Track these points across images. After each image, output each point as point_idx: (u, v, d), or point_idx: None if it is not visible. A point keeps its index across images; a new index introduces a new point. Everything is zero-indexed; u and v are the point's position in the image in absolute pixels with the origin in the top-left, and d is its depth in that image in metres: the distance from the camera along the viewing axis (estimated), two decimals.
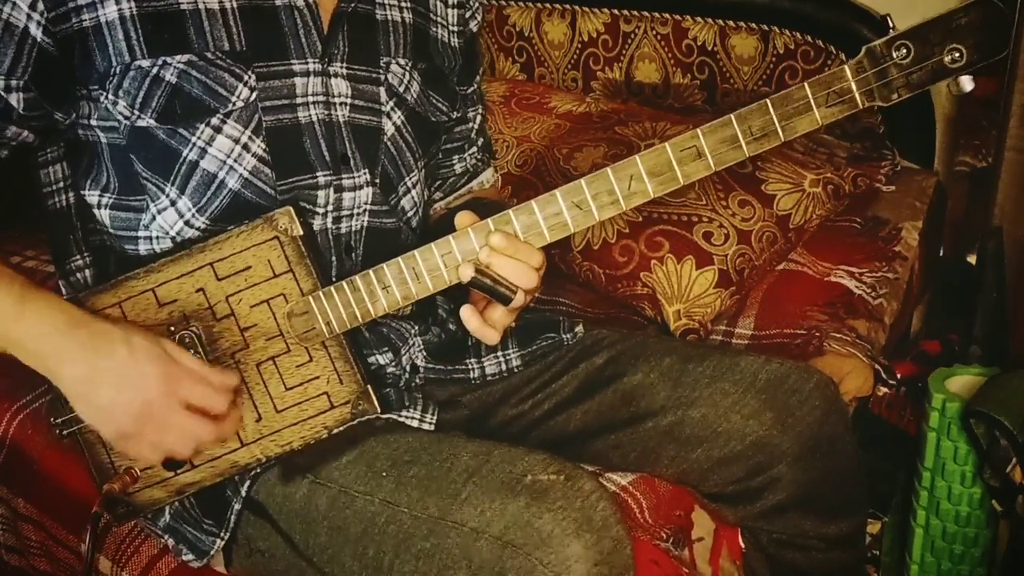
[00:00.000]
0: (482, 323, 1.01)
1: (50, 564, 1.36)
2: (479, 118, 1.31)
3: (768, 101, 0.93)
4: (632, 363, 1.20)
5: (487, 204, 1.25)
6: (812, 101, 0.93)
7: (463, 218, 0.99)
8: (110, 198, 1.05)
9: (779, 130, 0.94)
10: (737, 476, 1.15)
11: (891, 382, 1.66)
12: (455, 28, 1.22)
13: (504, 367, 1.23)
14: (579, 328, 1.26)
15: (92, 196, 1.06)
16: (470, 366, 1.22)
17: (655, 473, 1.19)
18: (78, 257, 1.10)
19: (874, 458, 1.46)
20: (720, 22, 2.13)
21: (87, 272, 1.10)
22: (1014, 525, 1.42)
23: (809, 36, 2.04)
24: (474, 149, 1.31)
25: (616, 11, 2.25)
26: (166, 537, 1.13)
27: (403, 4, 1.14)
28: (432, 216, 1.31)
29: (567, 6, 2.32)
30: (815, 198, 1.74)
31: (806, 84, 0.92)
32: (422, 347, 1.20)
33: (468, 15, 1.23)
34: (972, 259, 1.96)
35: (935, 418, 1.44)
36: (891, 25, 0.92)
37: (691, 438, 1.15)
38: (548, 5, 2.34)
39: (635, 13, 2.23)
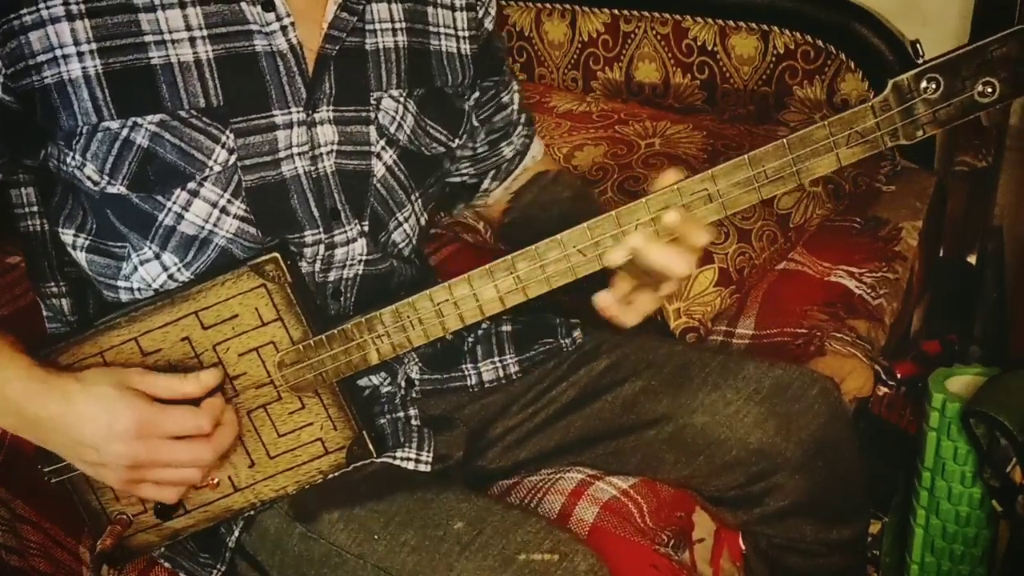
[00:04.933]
0: (622, 308, 0.96)
1: (50, 565, 1.36)
2: (516, 97, 1.24)
3: (786, 142, 0.87)
4: (633, 369, 1.18)
5: (555, 186, 1.20)
6: (832, 142, 0.87)
7: (667, 176, 0.91)
8: (86, 239, 1.00)
9: (796, 172, 0.88)
10: (739, 482, 1.15)
11: (891, 382, 1.66)
12: (467, 33, 1.12)
13: (501, 373, 1.20)
14: (577, 333, 1.23)
15: (67, 235, 1.01)
16: (466, 372, 1.19)
17: (656, 478, 1.18)
18: (53, 285, 1.06)
19: (874, 458, 1.46)
20: (720, 22, 2.13)
21: (64, 301, 1.06)
22: (1014, 525, 1.42)
23: (809, 36, 2.04)
24: (519, 129, 1.25)
25: (616, 11, 2.25)
26: (163, 562, 1.12)
27: (397, 25, 1.05)
28: (493, 211, 1.26)
29: (567, 6, 2.32)
30: (815, 197, 1.74)
31: (827, 123, 0.86)
32: (417, 359, 1.17)
33: (481, 14, 1.14)
34: (972, 259, 1.96)
35: (935, 418, 1.44)
36: (921, 53, 0.86)
37: (693, 445, 1.14)
38: (548, 5, 2.34)
39: (635, 13, 2.23)
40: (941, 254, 2.09)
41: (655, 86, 2.25)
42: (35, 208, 1.03)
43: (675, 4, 2.18)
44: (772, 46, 2.08)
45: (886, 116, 0.86)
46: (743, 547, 1.22)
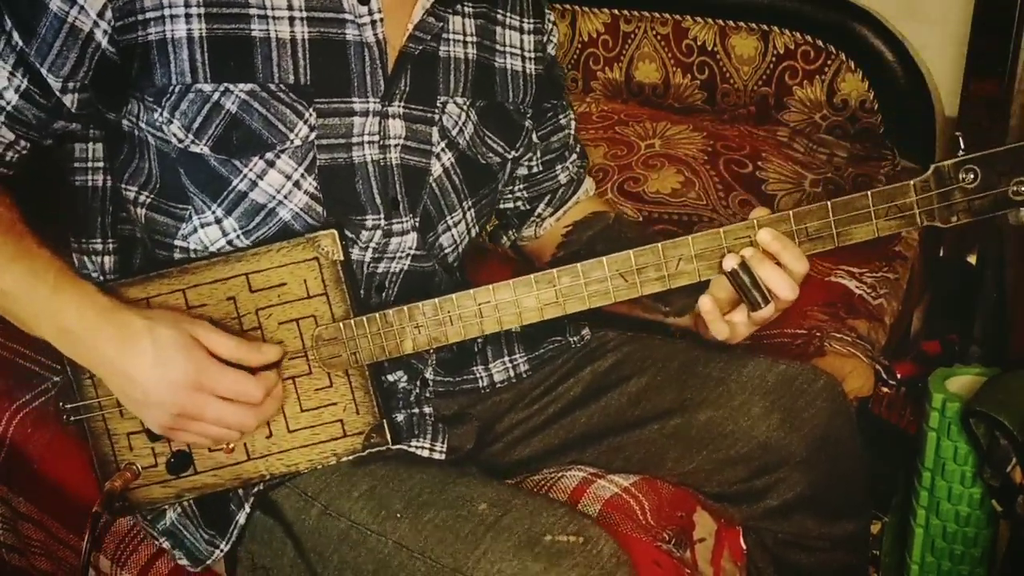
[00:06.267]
0: (720, 317, 1.00)
1: (51, 563, 1.36)
2: (573, 124, 1.28)
3: (829, 204, 0.93)
4: (638, 366, 1.19)
5: (620, 226, 1.24)
6: (872, 212, 0.93)
7: (759, 211, 0.98)
8: (148, 197, 1.03)
9: (835, 235, 0.94)
10: (741, 477, 1.15)
11: (891, 382, 1.66)
12: (532, 55, 1.18)
13: (512, 373, 1.22)
14: (585, 331, 1.25)
15: (130, 191, 1.04)
16: (478, 374, 1.21)
17: (658, 475, 1.18)
18: (99, 242, 1.08)
19: (874, 458, 1.46)
20: (720, 22, 2.13)
21: (107, 259, 1.08)
22: (1014, 525, 1.42)
23: (809, 36, 2.05)
24: (574, 156, 1.29)
25: (616, 11, 2.25)
26: (162, 540, 1.12)
27: (468, 39, 1.11)
28: (543, 244, 1.28)
29: (567, 6, 2.32)
30: (815, 198, 1.74)
31: (869, 194, 0.92)
32: (434, 362, 1.18)
33: (545, 39, 1.21)
34: (972, 259, 1.96)
35: (935, 418, 1.44)
36: (961, 146, 0.91)
37: (696, 440, 1.15)
38: (548, 5, 2.33)
39: (635, 13, 2.23)
40: (941, 254, 2.09)
41: (655, 86, 2.25)
42: (99, 164, 1.06)
43: (675, 4, 2.18)
44: (772, 46, 2.08)
45: (925, 196, 0.92)
46: (744, 547, 1.22)
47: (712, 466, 1.15)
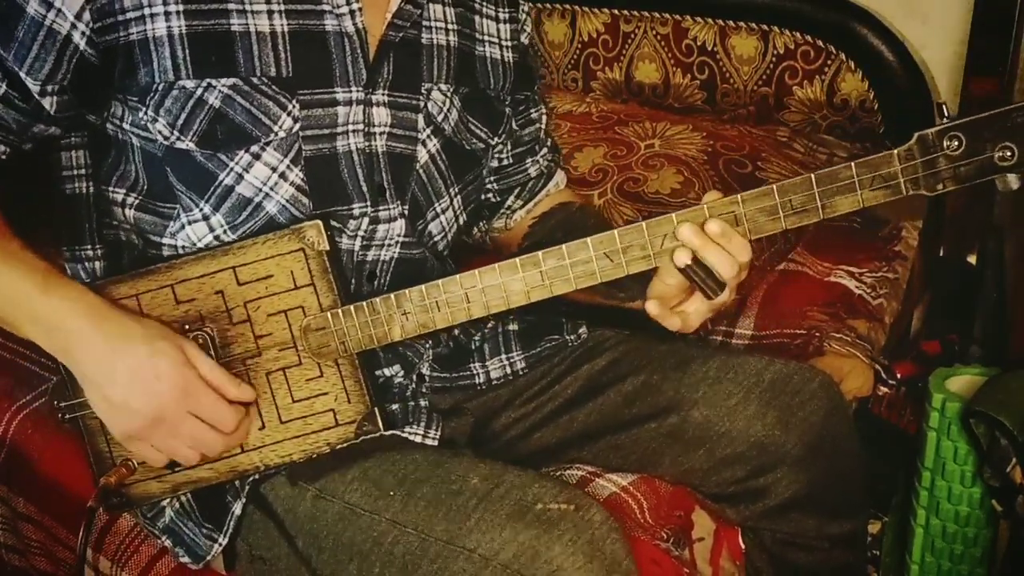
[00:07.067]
0: (669, 314, 1.00)
1: (50, 563, 1.36)
2: (544, 118, 1.29)
3: (812, 176, 0.92)
4: (635, 365, 1.20)
5: (582, 214, 1.25)
6: (857, 182, 0.92)
7: (711, 195, 0.98)
8: (136, 199, 1.04)
9: (819, 207, 0.93)
10: (739, 476, 1.15)
11: (891, 382, 1.66)
12: (508, 43, 1.20)
13: (509, 370, 1.22)
14: (583, 330, 1.25)
15: (117, 194, 1.05)
16: (475, 371, 1.22)
17: (656, 474, 1.19)
18: (89, 247, 1.09)
19: (874, 458, 1.47)
20: (720, 22, 2.13)
21: (97, 264, 1.09)
22: (1014, 525, 1.42)
23: (809, 36, 2.05)
24: (544, 150, 1.29)
25: (616, 11, 2.26)
26: (163, 538, 1.12)
27: (450, 26, 1.12)
28: (512, 236, 1.29)
29: (567, 6, 2.32)
30: None
31: (853, 164, 0.91)
32: (430, 357, 1.19)
33: (519, 28, 1.22)
34: (972, 259, 1.96)
35: (935, 418, 1.44)
36: (945, 113, 0.90)
37: (693, 439, 1.15)
38: (548, 5, 2.34)
39: (635, 13, 2.23)
40: (941, 254, 2.10)
41: (655, 86, 2.25)
42: (83, 171, 1.07)
43: (675, 4, 2.18)
44: (772, 46, 2.08)
45: (909, 164, 0.91)
46: (743, 546, 1.22)
47: (709, 465, 1.15)
